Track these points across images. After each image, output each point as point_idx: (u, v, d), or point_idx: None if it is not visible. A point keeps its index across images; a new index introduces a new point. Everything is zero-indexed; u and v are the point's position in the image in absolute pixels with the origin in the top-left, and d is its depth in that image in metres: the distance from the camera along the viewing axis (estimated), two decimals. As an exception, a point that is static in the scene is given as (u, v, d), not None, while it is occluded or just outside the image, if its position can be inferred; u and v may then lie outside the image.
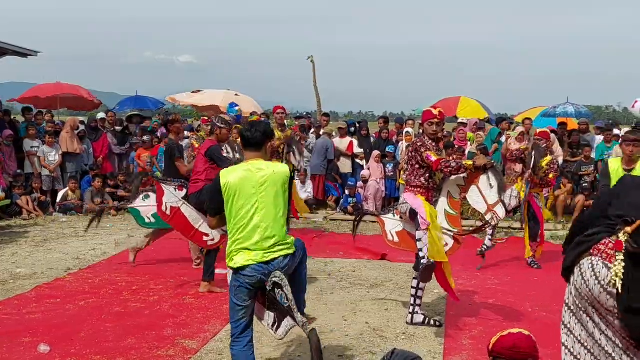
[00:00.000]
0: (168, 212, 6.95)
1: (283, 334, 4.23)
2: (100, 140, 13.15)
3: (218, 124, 6.93)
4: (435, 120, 5.70)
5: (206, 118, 11.01)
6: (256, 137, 4.15)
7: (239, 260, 3.99)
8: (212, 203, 4.24)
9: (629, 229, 3.52)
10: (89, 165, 12.70)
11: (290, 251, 4.08)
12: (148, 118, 15.72)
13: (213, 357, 5.08)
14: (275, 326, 4.23)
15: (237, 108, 11.22)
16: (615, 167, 6.23)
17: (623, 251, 3.46)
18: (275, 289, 4.00)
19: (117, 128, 13.77)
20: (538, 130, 8.46)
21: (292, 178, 4.36)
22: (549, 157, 8.27)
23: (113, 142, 13.31)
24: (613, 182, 6.30)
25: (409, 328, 5.80)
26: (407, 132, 12.64)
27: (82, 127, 12.87)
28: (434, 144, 5.73)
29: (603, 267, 3.50)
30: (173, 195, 6.97)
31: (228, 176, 4.06)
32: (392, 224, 6.16)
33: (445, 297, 6.78)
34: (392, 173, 12.43)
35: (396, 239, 6.16)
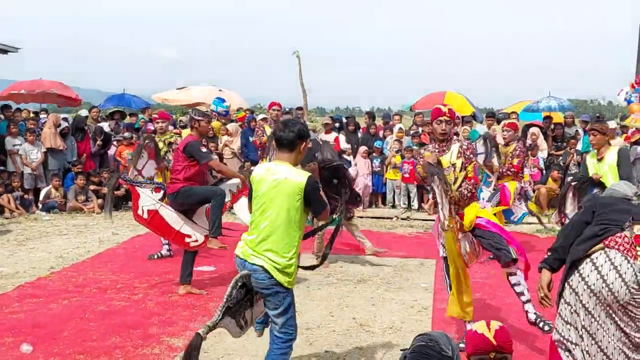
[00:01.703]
0: (145, 216, 6.68)
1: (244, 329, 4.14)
2: (85, 139, 12.99)
3: (195, 117, 6.64)
4: (444, 117, 5.13)
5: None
6: (289, 137, 3.95)
7: (237, 249, 4.03)
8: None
9: (638, 226, 3.58)
10: (72, 161, 12.54)
11: (273, 272, 3.85)
12: (135, 114, 15.59)
13: (199, 355, 5.01)
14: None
15: (225, 103, 11.08)
16: (590, 159, 6.48)
17: None
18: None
19: (102, 124, 13.63)
20: (507, 122, 8.48)
21: (314, 190, 3.94)
22: (512, 145, 8.21)
23: (94, 146, 13.06)
24: (589, 174, 6.39)
25: (395, 322, 5.79)
26: (400, 128, 12.67)
27: (64, 124, 12.69)
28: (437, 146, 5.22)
29: (624, 260, 3.49)
30: (150, 198, 6.69)
31: (257, 169, 4.13)
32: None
33: (431, 291, 6.78)
34: (379, 168, 12.42)
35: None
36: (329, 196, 4.30)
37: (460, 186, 4.97)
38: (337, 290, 6.82)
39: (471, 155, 5.06)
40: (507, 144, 8.20)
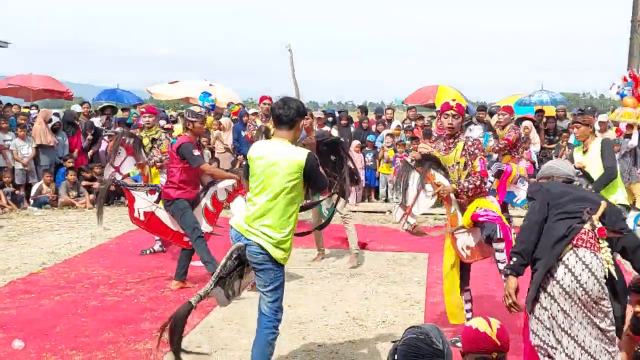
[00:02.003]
0: (142, 218, 6.68)
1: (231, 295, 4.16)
2: (76, 134, 12.92)
3: (189, 118, 6.46)
4: (451, 112, 5.02)
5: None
6: (289, 114, 3.96)
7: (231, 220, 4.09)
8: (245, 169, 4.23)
9: (596, 216, 3.56)
10: (63, 156, 12.47)
11: (268, 248, 3.89)
12: (127, 109, 15.52)
13: (192, 349, 5.00)
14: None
15: (211, 97, 11.02)
16: (577, 152, 6.50)
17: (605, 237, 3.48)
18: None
19: (93, 120, 13.56)
20: (502, 105, 8.60)
21: (314, 167, 3.94)
22: (507, 127, 8.49)
23: (84, 142, 12.96)
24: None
25: (388, 316, 5.79)
26: (398, 125, 12.67)
27: (55, 119, 12.61)
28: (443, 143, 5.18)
29: (593, 257, 3.49)
30: (145, 200, 6.67)
31: (255, 147, 4.11)
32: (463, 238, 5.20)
33: (424, 285, 6.79)
34: (371, 162, 12.42)
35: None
36: (326, 173, 4.29)
37: (460, 182, 4.96)
38: (330, 285, 6.82)
39: (476, 151, 4.95)
40: (502, 127, 8.39)
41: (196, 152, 6.36)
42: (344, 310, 5.98)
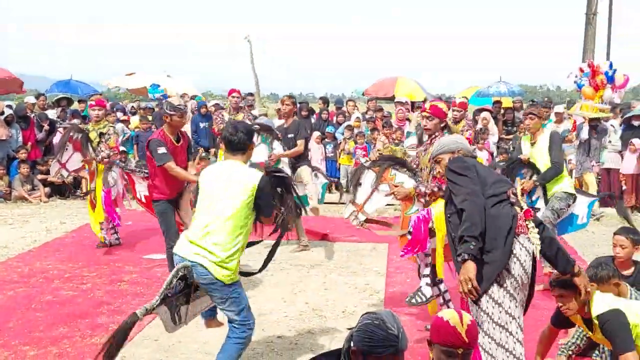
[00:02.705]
0: (143, 200, 6.84)
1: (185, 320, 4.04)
2: (29, 127, 12.60)
3: (168, 111, 5.87)
4: (425, 113, 5.21)
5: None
6: (241, 139, 4.02)
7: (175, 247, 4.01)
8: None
9: (523, 198, 3.63)
10: (15, 149, 12.16)
11: (211, 268, 3.79)
12: (83, 101, 15.23)
13: (149, 343, 4.96)
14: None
15: (160, 88, 10.87)
16: (525, 142, 6.55)
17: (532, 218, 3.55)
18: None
19: (48, 112, 13.25)
20: (458, 101, 8.65)
21: (266, 189, 3.97)
22: (462, 122, 8.50)
23: (40, 134, 12.65)
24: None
25: (348, 306, 5.81)
26: (357, 117, 12.69)
27: (8, 112, 12.28)
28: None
29: (526, 240, 3.55)
30: (143, 185, 6.80)
31: (209, 168, 4.19)
32: None
33: (384, 275, 6.83)
34: (332, 154, 12.43)
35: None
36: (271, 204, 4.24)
37: (419, 186, 5.00)
38: (290, 276, 6.81)
39: None
40: (456, 122, 8.42)
41: (161, 150, 5.76)
42: (304, 301, 5.98)
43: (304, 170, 7.67)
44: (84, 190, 7.93)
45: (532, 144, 6.36)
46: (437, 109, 5.23)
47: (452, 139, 4.19)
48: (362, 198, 5.28)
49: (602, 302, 3.80)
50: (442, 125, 5.26)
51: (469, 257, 3.41)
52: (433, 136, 5.17)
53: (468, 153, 4.01)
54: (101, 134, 7.60)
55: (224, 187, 3.91)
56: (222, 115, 9.37)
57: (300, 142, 7.66)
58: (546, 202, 6.25)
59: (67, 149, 7.60)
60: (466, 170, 3.63)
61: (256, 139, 7.03)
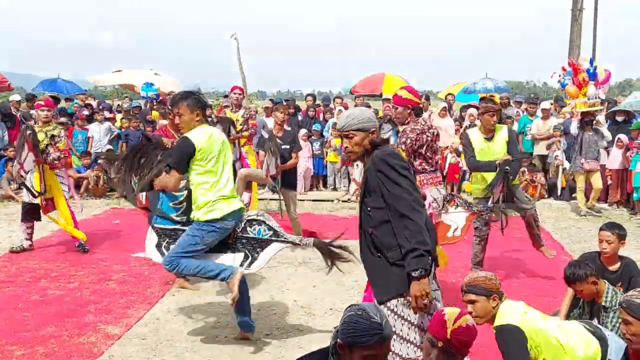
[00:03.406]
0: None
1: (262, 264, 4.72)
2: (15, 126, 12.52)
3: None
4: (391, 104, 5.52)
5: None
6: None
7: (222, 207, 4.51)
8: (179, 164, 4.48)
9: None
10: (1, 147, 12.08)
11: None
12: (70, 99, 15.15)
13: (137, 341, 4.95)
14: (248, 262, 4.67)
15: (154, 87, 10.82)
16: (476, 137, 6.41)
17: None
18: (248, 228, 4.64)
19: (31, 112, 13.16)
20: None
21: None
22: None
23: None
24: (476, 152, 6.42)
25: (336, 304, 5.83)
26: (340, 111, 12.70)
27: (-6, 111, 12.21)
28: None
29: None
30: None
31: (198, 140, 4.48)
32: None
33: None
34: (319, 151, 12.45)
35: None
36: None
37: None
38: (278, 274, 6.82)
39: (404, 139, 5.25)
40: (402, 123, 8.37)
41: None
42: (292, 298, 5.99)
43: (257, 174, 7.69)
44: (34, 192, 7.51)
45: (490, 139, 6.32)
46: (399, 98, 5.48)
47: (367, 114, 3.48)
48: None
49: (506, 315, 3.52)
50: (409, 112, 5.52)
51: (425, 272, 3.19)
52: (406, 123, 5.42)
53: (380, 139, 3.52)
54: (52, 136, 7.38)
55: (225, 148, 4.73)
56: (224, 113, 9.34)
57: (296, 155, 7.74)
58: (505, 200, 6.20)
59: (25, 149, 7.33)
60: (406, 171, 3.33)
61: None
